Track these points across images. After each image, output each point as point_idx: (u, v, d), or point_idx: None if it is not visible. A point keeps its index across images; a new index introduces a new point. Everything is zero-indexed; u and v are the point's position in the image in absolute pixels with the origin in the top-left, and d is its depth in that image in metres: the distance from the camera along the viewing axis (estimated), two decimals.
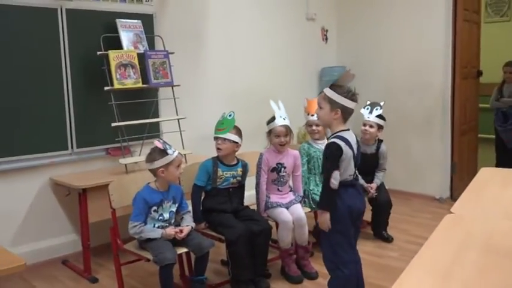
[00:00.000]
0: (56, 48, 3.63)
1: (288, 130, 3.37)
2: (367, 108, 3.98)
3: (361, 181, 3.86)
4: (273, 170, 3.42)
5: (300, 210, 3.38)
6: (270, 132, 3.43)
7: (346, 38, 5.87)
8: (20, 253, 3.12)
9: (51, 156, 3.67)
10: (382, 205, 4.02)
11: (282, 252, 3.37)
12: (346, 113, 2.56)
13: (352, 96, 2.54)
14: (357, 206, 2.62)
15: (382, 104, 4.00)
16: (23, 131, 3.51)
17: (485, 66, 5.81)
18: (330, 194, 2.53)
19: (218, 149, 3.24)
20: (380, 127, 4.01)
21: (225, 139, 3.20)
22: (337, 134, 2.55)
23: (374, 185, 3.98)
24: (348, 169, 2.54)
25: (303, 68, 5.58)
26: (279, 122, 3.35)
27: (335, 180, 2.47)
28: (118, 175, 3.44)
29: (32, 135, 3.55)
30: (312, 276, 3.32)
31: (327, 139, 2.72)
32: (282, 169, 3.43)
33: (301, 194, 3.55)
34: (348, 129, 2.60)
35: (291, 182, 3.57)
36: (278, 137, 3.36)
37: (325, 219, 2.55)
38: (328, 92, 2.56)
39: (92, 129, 3.83)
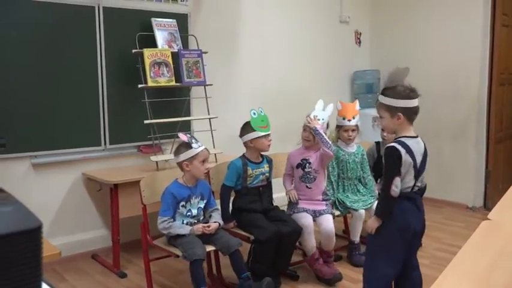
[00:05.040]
0: (92, 45, 3.69)
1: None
2: None
3: None
4: (298, 166, 3.41)
5: (328, 222, 3.32)
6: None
7: (380, 41, 5.80)
8: None
9: (85, 151, 3.74)
10: None
11: (309, 260, 3.33)
12: (410, 114, 2.37)
13: (409, 93, 2.34)
14: (411, 225, 2.38)
15: None
16: (58, 126, 3.58)
17: None
18: (388, 202, 2.34)
19: (269, 145, 3.24)
20: None
21: (269, 134, 3.23)
22: (398, 139, 2.37)
23: None
24: (405, 179, 2.34)
25: (336, 70, 5.53)
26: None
27: (396, 187, 2.29)
28: (149, 172, 3.46)
29: (66, 131, 3.62)
30: (337, 278, 3.27)
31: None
32: (307, 165, 3.39)
33: (325, 190, 3.50)
34: (415, 136, 2.40)
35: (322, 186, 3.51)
36: (305, 131, 3.37)
37: (373, 225, 2.41)
38: (382, 98, 2.38)
39: (124, 126, 3.88)
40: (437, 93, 5.21)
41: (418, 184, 2.42)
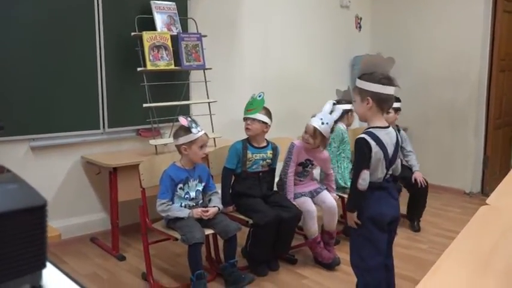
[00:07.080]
0: (91, 27, 3.65)
1: (316, 132, 3.21)
2: None
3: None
4: (300, 164, 3.36)
5: (330, 199, 3.35)
6: None
7: (380, 26, 5.77)
8: None
9: (83, 135, 3.73)
10: (420, 191, 3.95)
11: (310, 242, 3.33)
12: (380, 101, 2.30)
13: (381, 79, 2.27)
14: (383, 212, 2.37)
15: None
16: (57, 109, 3.56)
17: None
18: (356, 195, 2.35)
19: (247, 129, 3.22)
20: (396, 110, 3.80)
21: (254, 119, 3.18)
22: (369, 129, 2.32)
23: (418, 174, 3.94)
24: (376, 171, 2.32)
25: (336, 55, 5.50)
26: (313, 121, 3.24)
27: (363, 180, 2.27)
28: (148, 156, 3.46)
29: (65, 114, 3.60)
30: (336, 262, 3.29)
31: None
32: (310, 165, 3.38)
33: (335, 193, 3.51)
34: (387, 127, 2.35)
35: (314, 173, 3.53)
36: (305, 133, 3.29)
37: (351, 218, 2.40)
38: (357, 81, 2.35)
39: (123, 110, 3.86)
40: (437, 78, 5.21)
41: (390, 173, 2.41)
